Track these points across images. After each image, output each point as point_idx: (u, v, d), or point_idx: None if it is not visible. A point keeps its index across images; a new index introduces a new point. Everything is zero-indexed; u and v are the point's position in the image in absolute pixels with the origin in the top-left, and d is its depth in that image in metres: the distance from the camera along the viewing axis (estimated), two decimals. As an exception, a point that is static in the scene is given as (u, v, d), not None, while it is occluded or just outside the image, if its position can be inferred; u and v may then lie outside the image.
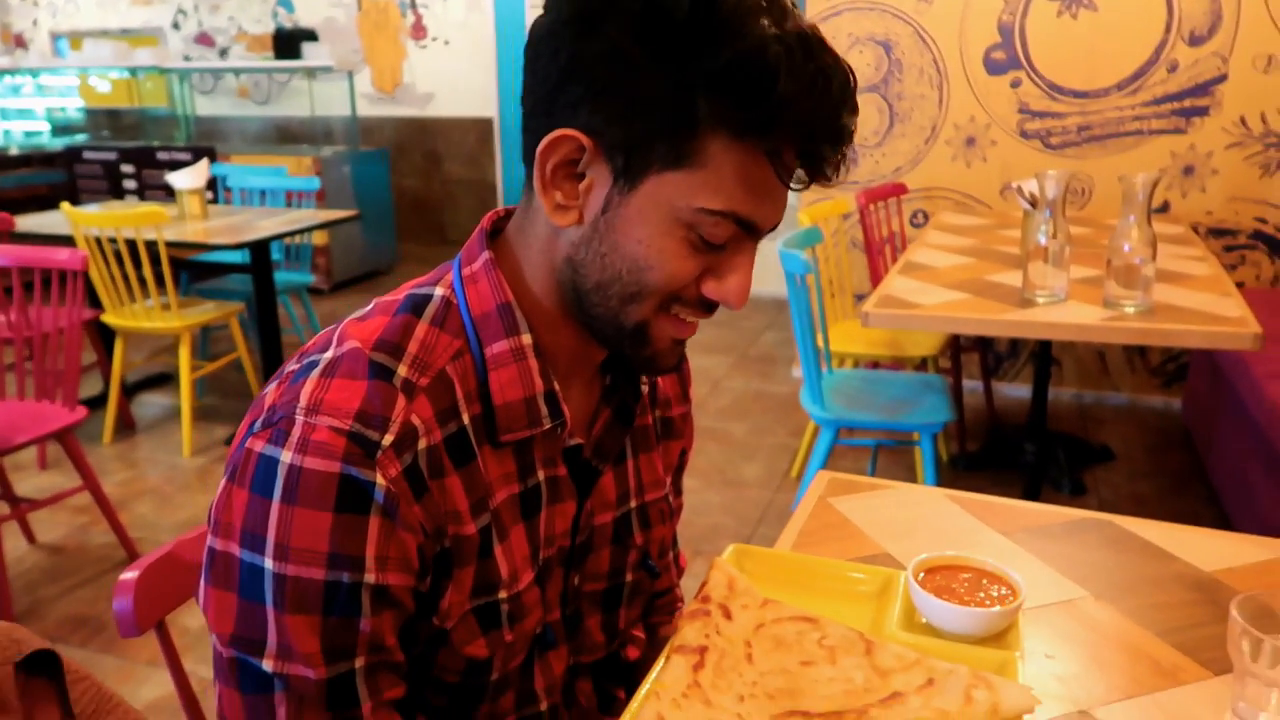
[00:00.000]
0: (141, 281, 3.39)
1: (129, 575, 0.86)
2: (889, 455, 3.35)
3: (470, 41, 6.60)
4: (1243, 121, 3.42)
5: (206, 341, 4.53)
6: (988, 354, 3.78)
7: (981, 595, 0.91)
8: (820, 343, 2.60)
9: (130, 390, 4.02)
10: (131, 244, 3.29)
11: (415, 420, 0.68)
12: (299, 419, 0.66)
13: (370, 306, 0.75)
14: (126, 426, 3.68)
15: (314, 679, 0.66)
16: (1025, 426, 2.89)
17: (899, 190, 3.67)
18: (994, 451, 3.32)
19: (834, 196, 3.57)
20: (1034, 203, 2.45)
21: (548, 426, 0.75)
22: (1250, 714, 0.81)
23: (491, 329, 0.73)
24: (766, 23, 0.64)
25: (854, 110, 0.67)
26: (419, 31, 6.62)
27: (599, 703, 0.95)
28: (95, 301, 3.53)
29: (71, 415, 2.54)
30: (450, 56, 6.67)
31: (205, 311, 3.58)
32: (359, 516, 0.65)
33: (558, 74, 0.67)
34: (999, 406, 3.76)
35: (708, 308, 0.74)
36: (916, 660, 0.84)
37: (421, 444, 0.68)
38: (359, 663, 0.67)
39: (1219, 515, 2.79)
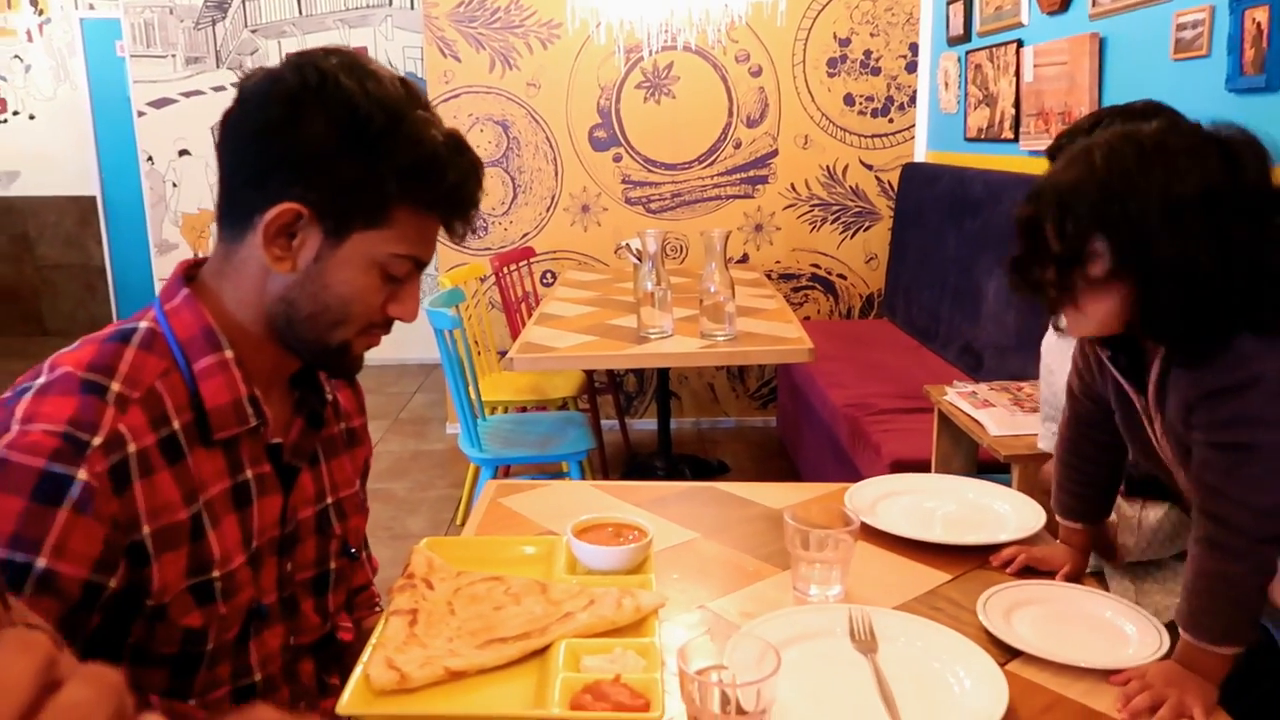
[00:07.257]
0: None
1: None
2: (543, 492, 3.65)
3: (61, 115, 6.13)
4: (792, 187, 4.23)
5: None
6: (619, 394, 4.26)
7: (621, 540, 1.20)
8: (472, 392, 2.85)
9: None
10: None
11: (123, 428, 0.82)
12: (15, 427, 0.78)
13: (78, 342, 0.88)
14: None
15: None
16: (655, 450, 3.34)
17: (528, 254, 4.06)
18: (632, 477, 3.76)
19: (470, 262, 3.87)
20: (640, 257, 2.90)
21: (254, 424, 0.93)
22: (804, 586, 1.17)
23: (197, 348, 0.90)
24: (435, 133, 0.90)
25: (483, 186, 0.96)
26: (-4, 105, 6.02)
27: (318, 688, 1.11)
28: None
29: None
30: (37, 131, 6.14)
31: None
32: (50, 508, 0.77)
33: (269, 159, 0.88)
34: (633, 439, 4.24)
35: (388, 326, 0.99)
36: (580, 590, 1.10)
37: (131, 448, 0.82)
38: None
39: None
